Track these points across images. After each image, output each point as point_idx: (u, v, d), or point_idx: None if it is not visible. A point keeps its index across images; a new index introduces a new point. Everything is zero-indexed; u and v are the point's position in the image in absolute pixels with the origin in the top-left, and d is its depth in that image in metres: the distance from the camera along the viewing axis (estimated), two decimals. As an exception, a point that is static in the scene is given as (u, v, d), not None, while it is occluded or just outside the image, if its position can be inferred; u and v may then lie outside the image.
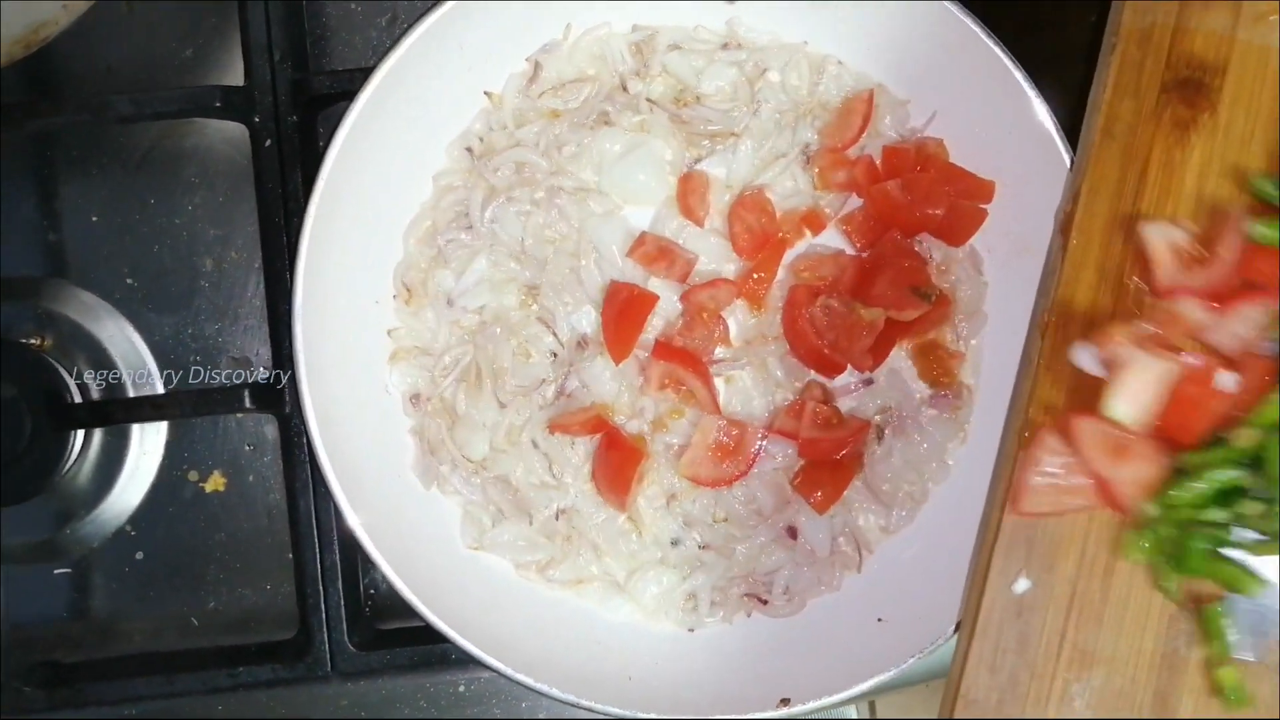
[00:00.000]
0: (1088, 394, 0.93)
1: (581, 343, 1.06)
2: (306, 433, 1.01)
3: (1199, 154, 0.96)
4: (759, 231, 1.06)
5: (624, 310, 1.05)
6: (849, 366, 1.06)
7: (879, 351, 1.06)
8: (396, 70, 1.02)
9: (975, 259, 1.08)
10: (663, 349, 1.05)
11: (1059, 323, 0.95)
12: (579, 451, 1.06)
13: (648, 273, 1.07)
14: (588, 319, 1.06)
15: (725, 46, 1.09)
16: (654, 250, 1.06)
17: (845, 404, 1.07)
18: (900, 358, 1.08)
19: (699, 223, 1.07)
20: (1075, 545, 0.93)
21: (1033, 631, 0.92)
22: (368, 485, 1.04)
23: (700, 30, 1.10)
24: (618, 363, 1.05)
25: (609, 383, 1.06)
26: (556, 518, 1.07)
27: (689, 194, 1.07)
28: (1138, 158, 0.96)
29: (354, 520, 1.01)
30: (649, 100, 1.08)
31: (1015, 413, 0.98)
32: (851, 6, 1.06)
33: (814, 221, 1.08)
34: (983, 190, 1.06)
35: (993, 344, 1.07)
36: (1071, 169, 1.00)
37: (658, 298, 1.06)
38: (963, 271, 1.07)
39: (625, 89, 1.09)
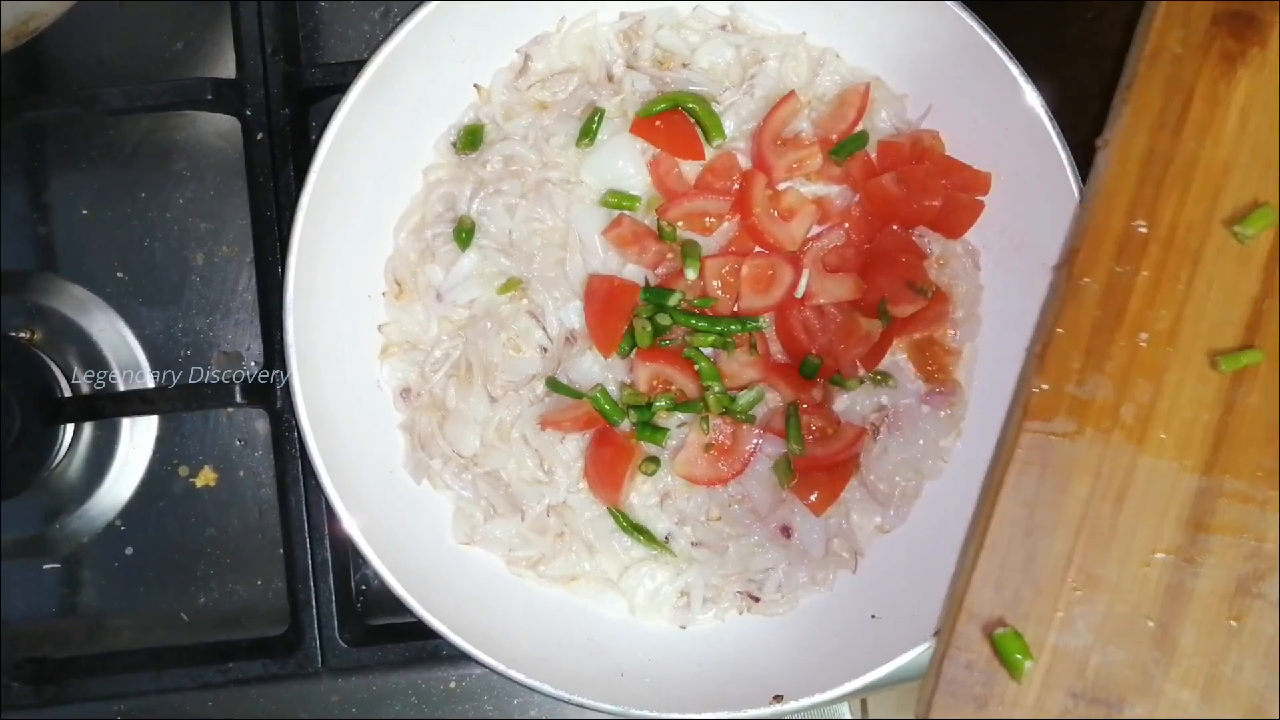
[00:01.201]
0: (1114, 312, 0.92)
1: (570, 338, 1.06)
2: (297, 428, 1.00)
3: (1244, 89, 0.94)
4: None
5: (607, 302, 1.04)
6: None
7: (876, 352, 1.05)
8: (389, 63, 1.01)
9: (973, 254, 1.07)
10: (647, 349, 1.04)
11: (1089, 249, 0.93)
12: (570, 448, 1.06)
13: (622, 256, 1.06)
14: (576, 313, 1.06)
15: (724, 28, 1.08)
16: (628, 233, 1.05)
17: (841, 401, 1.06)
18: (895, 354, 1.07)
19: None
20: (1090, 469, 0.91)
21: (1040, 551, 0.91)
22: (359, 480, 1.03)
23: (700, 10, 1.08)
24: (606, 355, 1.04)
25: (598, 377, 1.05)
26: (548, 514, 1.06)
27: (665, 176, 1.06)
28: (1182, 89, 0.94)
29: (345, 515, 1.01)
30: (629, 67, 1.07)
31: (1038, 335, 0.97)
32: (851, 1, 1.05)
33: (822, 213, 1.07)
34: (979, 182, 1.05)
35: (988, 342, 1.06)
36: (1071, 168, 0.98)
37: (640, 286, 1.05)
38: (960, 267, 1.07)
39: (611, 78, 1.08)
